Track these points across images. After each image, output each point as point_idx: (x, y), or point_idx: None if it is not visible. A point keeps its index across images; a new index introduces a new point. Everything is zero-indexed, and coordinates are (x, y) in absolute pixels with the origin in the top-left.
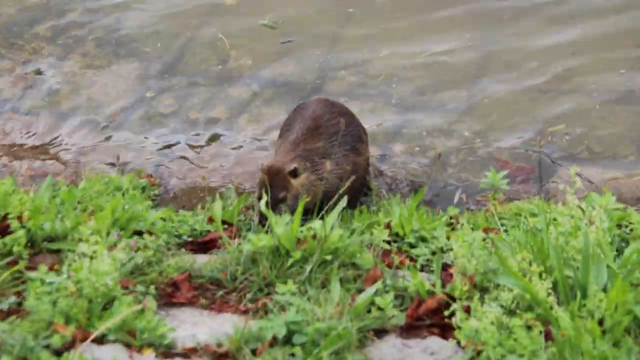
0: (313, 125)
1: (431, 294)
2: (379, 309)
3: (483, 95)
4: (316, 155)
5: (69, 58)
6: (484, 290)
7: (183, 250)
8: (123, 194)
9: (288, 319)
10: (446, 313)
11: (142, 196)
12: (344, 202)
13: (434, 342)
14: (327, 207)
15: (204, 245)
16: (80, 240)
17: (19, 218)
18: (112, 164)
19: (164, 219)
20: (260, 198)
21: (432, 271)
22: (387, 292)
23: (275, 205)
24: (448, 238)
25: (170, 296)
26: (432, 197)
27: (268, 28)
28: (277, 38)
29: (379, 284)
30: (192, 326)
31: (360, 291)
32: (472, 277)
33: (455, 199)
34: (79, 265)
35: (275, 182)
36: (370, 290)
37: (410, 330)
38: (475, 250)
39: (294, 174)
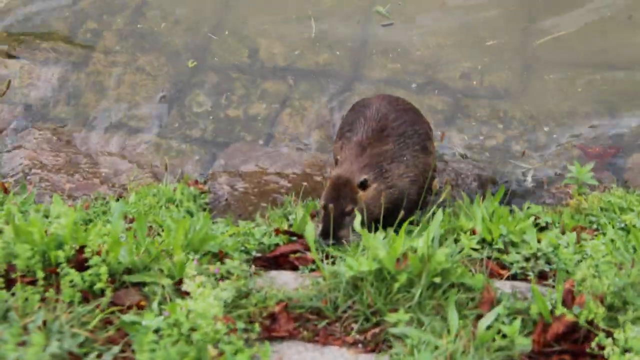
0: (379, 126)
1: (556, 316)
2: (503, 336)
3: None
4: (384, 160)
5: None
6: (611, 310)
7: (253, 267)
8: (177, 206)
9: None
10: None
11: (195, 206)
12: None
13: None
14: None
15: (274, 260)
16: (161, 272)
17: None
18: (152, 173)
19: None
20: (325, 208)
21: (529, 280)
22: (508, 316)
23: (341, 218)
24: (539, 241)
25: (268, 329)
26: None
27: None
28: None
29: (500, 309)
30: None
31: (478, 317)
32: (602, 297)
33: (529, 180)
34: (173, 305)
35: (342, 194)
36: (490, 316)
37: (539, 359)
38: (601, 265)
39: (364, 186)
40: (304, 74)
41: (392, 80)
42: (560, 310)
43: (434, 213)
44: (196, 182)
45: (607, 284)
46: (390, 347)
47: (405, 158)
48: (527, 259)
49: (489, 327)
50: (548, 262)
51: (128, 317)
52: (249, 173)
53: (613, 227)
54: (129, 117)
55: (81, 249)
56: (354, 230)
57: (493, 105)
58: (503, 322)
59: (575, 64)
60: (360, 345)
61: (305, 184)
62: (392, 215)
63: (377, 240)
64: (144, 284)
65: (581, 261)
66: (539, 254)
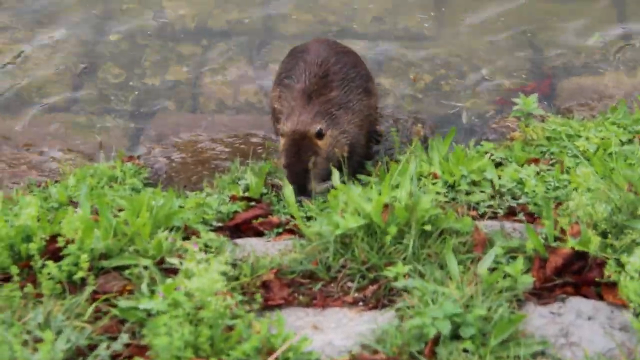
0: (321, 72)
1: (552, 249)
2: (504, 277)
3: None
4: (332, 106)
5: None
6: (605, 237)
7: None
8: (120, 184)
9: (447, 310)
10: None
11: (139, 182)
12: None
13: (580, 303)
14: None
15: (236, 228)
16: (138, 252)
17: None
18: (81, 153)
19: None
20: (287, 166)
21: (499, 218)
22: (504, 255)
23: (305, 173)
24: (499, 177)
25: (264, 299)
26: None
27: None
28: None
29: (497, 249)
30: (313, 331)
31: (473, 260)
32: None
33: (464, 119)
34: (169, 285)
35: (302, 148)
36: (489, 258)
37: (543, 294)
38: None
39: (320, 135)
40: (217, 35)
41: (307, 32)
42: (553, 242)
43: (395, 160)
44: (131, 157)
45: (600, 211)
46: (391, 301)
47: (351, 104)
48: (492, 197)
49: (491, 270)
50: (514, 198)
51: (124, 302)
52: (182, 142)
53: (567, 156)
54: (41, 95)
55: (52, 239)
56: (318, 182)
57: (413, 46)
58: (501, 263)
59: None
60: (361, 303)
61: (243, 146)
62: (347, 164)
63: (354, 192)
64: (124, 268)
65: (551, 192)
66: (503, 190)
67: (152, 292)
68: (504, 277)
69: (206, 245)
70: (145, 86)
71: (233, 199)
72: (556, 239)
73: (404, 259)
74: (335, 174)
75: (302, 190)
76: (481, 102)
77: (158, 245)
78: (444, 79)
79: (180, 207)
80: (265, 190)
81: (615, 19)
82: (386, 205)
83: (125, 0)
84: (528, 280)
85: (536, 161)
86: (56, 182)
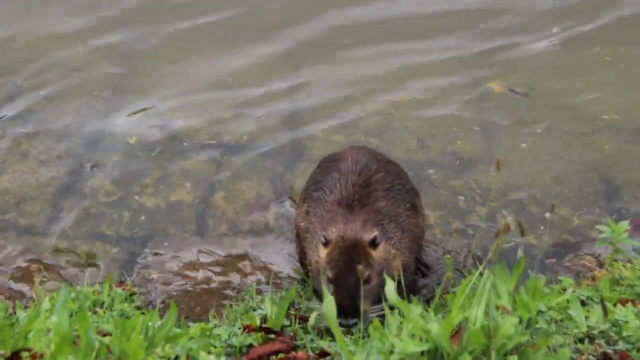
0: (361, 180)
1: None
2: None
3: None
4: (382, 218)
5: None
6: None
7: None
8: (106, 310)
9: None
10: None
11: (130, 308)
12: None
13: None
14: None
15: None
16: None
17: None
18: (60, 275)
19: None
20: (336, 279)
21: None
22: None
23: (356, 289)
24: (586, 318)
25: None
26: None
27: None
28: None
29: None
30: None
31: None
32: None
33: (519, 254)
34: None
35: (355, 257)
36: None
37: None
38: None
39: (374, 243)
40: (233, 150)
41: None
42: None
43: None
44: (121, 282)
45: None
46: None
47: (400, 219)
48: (580, 340)
49: None
50: (608, 343)
51: None
52: (186, 269)
53: None
54: (20, 213)
55: (15, 356)
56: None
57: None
58: None
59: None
60: None
61: (259, 274)
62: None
63: (419, 312)
64: None
65: None
66: (593, 332)
67: None
68: None
69: None
70: (144, 207)
71: (248, 329)
72: None
73: None
74: (390, 284)
75: (350, 310)
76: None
77: None
78: (495, 210)
79: (183, 333)
80: (287, 322)
81: None
82: (456, 332)
83: None
84: None
85: (632, 302)
86: (26, 307)
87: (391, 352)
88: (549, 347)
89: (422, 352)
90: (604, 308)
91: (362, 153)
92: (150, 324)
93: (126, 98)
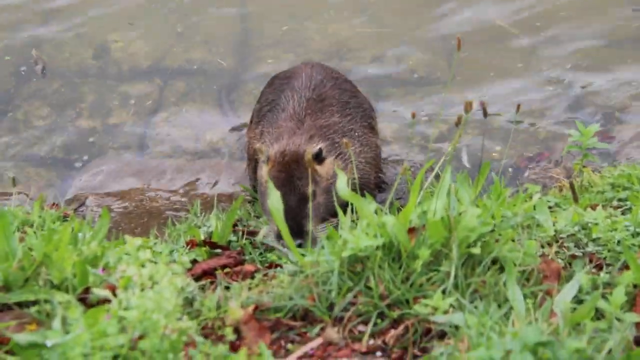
0: (315, 95)
1: None
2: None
3: None
4: (334, 133)
5: None
6: None
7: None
8: (36, 230)
9: (529, 338)
10: None
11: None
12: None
13: None
14: None
15: (195, 280)
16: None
17: None
18: None
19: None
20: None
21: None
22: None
23: (300, 207)
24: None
25: (232, 346)
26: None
27: None
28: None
29: (582, 278)
30: None
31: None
32: None
33: (464, 160)
34: (95, 310)
35: (296, 173)
36: (570, 291)
37: None
38: None
39: (319, 158)
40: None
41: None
42: None
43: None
44: (54, 204)
45: None
46: (425, 350)
47: (356, 134)
48: (548, 244)
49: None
50: (577, 246)
51: (23, 337)
52: (126, 191)
53: None
54: None
55: None
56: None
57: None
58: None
59: None
60: (379, 353)
61: (205, 195)
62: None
63: (374, 208)
64: (26, 304)
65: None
66: (562, 236)
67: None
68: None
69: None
70: (80, 130)
71: (191, 244)
72: None
73: (443, 291)
74: (342, 177)
75: (296, 231)
76: (513, 152)
77: (82, 274)
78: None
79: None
80: (234, 238)
81: None
82: (412, 229)
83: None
84: (633, 319)
85: (603, 207)
86: None
87: (344, 247)
88: (513, 240)
89: (377, 247)
90: (574, 192)
91: (317, 69)
92: (80, 234)
93: None
